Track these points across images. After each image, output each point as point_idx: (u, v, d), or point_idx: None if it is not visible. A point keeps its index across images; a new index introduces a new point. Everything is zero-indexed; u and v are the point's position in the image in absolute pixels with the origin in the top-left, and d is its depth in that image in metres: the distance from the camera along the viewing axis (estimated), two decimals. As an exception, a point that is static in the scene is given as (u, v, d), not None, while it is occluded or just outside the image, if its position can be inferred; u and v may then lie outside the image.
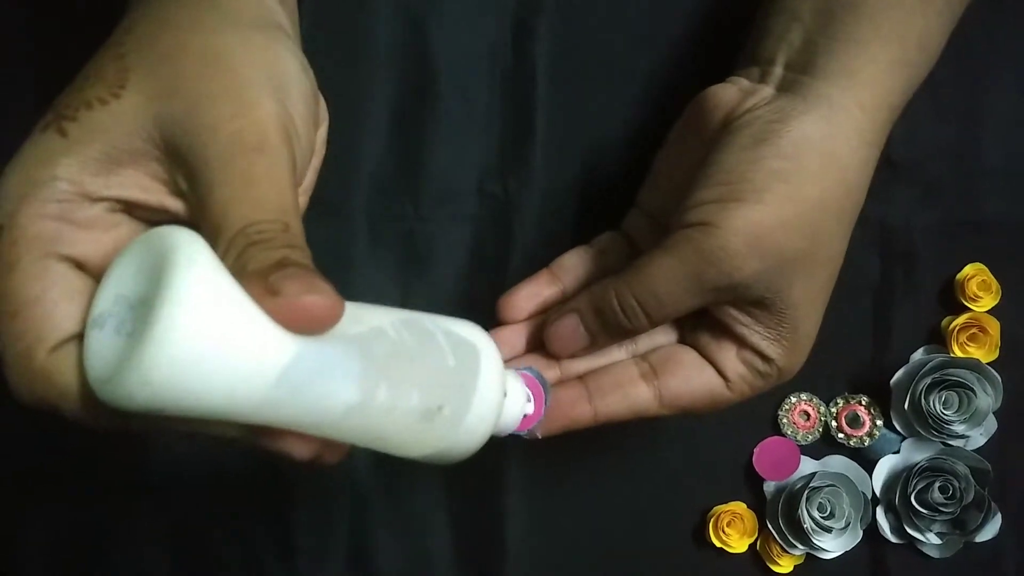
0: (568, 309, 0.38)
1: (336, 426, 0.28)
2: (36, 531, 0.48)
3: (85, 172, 0.28)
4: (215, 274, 0.26)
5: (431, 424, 0.30)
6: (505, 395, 0.33)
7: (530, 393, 0.35)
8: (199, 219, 0.28)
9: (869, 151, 0.36)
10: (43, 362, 0.27)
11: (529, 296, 0.40)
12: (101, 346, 0.27)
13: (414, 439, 0.30)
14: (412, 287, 0.48)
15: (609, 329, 0.37)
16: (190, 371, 0.24)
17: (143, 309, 0.25)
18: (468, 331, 0.32)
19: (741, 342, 0.36)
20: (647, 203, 0.42)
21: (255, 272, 0.26)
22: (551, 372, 0.38)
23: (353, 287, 0.48)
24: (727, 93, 0.37)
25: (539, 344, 0.39)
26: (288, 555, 0.48)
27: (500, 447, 0.47)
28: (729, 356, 0.37)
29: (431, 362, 0.30)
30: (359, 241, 0.48)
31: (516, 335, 0.39)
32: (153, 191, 0.29)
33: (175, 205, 0.30)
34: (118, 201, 0.29)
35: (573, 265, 0.41)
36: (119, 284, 0.27)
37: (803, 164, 0.34)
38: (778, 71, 0.37)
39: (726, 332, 0.37)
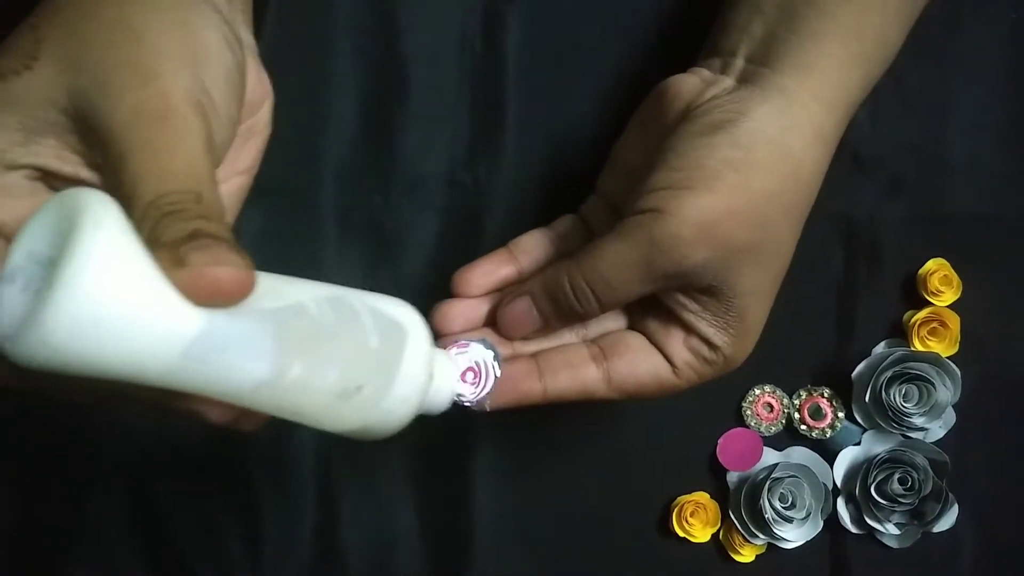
0: (521, 291, 0.38)
1: (247, 399, 0.28)
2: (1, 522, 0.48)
3: (2, 140, 0.29)
4: (122, 238, 0.25)
5: (349, 403, 0.30)
6: (433, 376, 0.32)
7: (485, 363, 0.35)
8: (114, 191, 0.28)
9: (824, 146, 0.36)
10: None
11: (485, 273, 0.40)
12: (10, 302, 0.26)
13: (331, 416, 0.30)
14: (380, 277, 0.48)
15: (561, 312, 0.37)
16: (90, 334, 0.24)
17: (51, 268, 0.25)
18: (397, 310, 0.32)
19: (688, 329, 0.37)
20: (605, 189, 0.42)
21: (167, 243, 0.26)
22: (504, 349, 0.39)
23: (321, 277, 0.47)
24: (688, 83, 0.38)
25: (495, 321, 0.39)
26: (254, 542, 0.48)
27: (468, 435, 0.48)
28: (676, 343, 0.37)
29: (352, 341, 0.30)
30: (328, 231, 0.47)
31: (473, 309, 0.40)
32: (70, 162, 0.30)
33: (91, 177, 0.30)
34: (35, 169, 0.30)
35: (531, 246, 0.41)
36: (32, 241, 0.27)
37: (756, 155, 0.34)
38: (739, 63, 0.37)
39: (674, 319, 0.37)
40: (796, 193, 0.35)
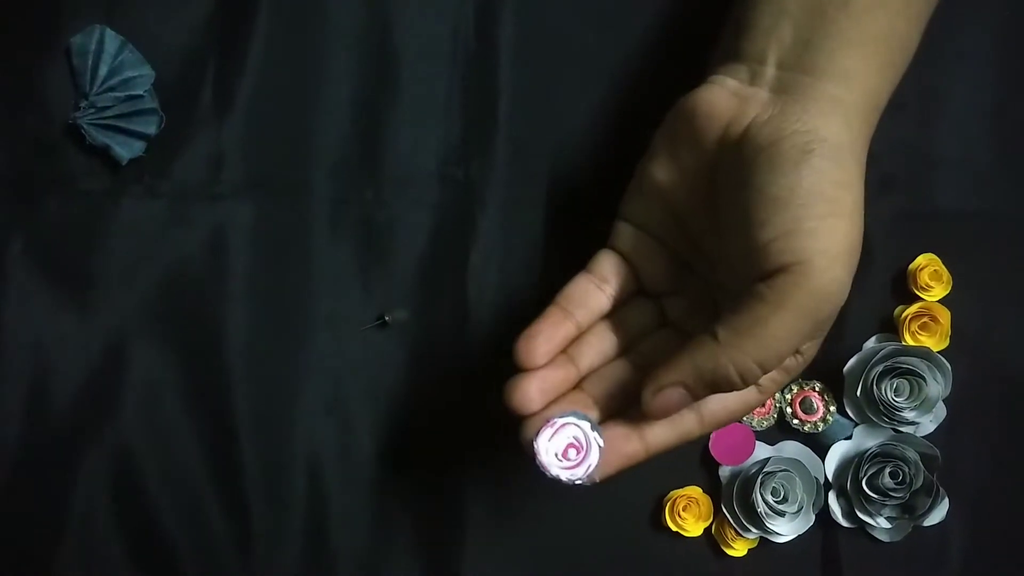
0: (672, 383, 0.35)
1: None
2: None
3: None
4: None
5: None
6: None
7: (585, 437, 0.34)
8: None
9: (865, 152, 0.36)
10: None
11: (547, 339, 0.38)
12: None
13: None
14: (372, 273, 0.48)
15: (718, 392, 0.35)
16: None
17: None
18: None
19: None
20: (637, 217, 0.40)
21: None
22: (591, 412, 0.37)
23: (312, 271, 0.48)
24: (719, 98, 0.36)
25: (565, 385, 0.38)
26: (244, 541, 0.47)
27: (458, 431, 0.48)
28: None
29: None
30: (318, 226, 0.47)
31: (546, 381, 0.37)
32: None
33: None
34: None
35: (581, 297, 0.39)
36: None
37: (850, 171, 0.34)
38: (770, 71, 0.36)
39: None
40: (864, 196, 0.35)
